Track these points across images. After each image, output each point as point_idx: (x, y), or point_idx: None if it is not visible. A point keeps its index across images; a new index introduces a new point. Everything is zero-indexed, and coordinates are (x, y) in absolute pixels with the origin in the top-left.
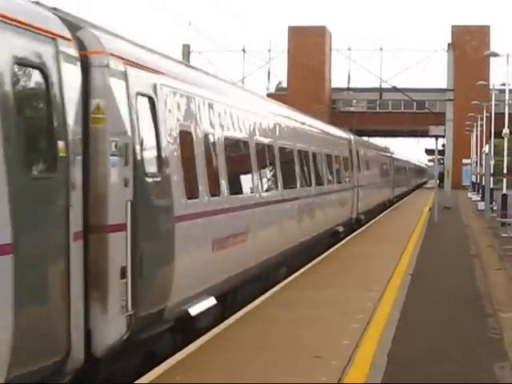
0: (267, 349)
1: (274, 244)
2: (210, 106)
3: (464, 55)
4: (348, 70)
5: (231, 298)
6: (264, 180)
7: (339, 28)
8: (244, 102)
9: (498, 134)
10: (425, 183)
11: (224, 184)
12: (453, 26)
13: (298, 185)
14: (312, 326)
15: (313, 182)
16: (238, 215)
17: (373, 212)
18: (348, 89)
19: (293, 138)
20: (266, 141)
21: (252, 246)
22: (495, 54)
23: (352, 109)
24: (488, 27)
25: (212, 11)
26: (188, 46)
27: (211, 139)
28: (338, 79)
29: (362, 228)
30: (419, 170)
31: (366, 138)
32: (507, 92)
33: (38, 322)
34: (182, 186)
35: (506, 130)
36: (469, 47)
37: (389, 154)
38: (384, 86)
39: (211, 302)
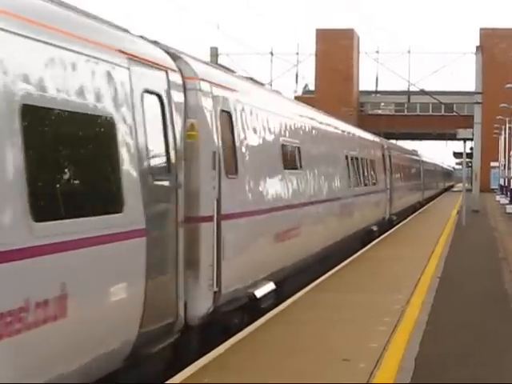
0: (295, 351)
1: None
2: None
3: (492, 58)
4: (376, 72)
5: None
6: None
7: (367, 30)
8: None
9: None
10: (452, 187)
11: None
12: (481, 29)
13: None
14: (339, 328)
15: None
16: None
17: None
18: (376, 92)
19: None
20: None
21: None
22: None
23: (380, 112)
24: None
25: (240, 14)
26: (216, 48)
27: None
28: (365, 82)
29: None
30: (443, 173)
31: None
32: None
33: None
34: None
35: None
36: (497, 50)
37: (383, 148)
38: (412, 88)
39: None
